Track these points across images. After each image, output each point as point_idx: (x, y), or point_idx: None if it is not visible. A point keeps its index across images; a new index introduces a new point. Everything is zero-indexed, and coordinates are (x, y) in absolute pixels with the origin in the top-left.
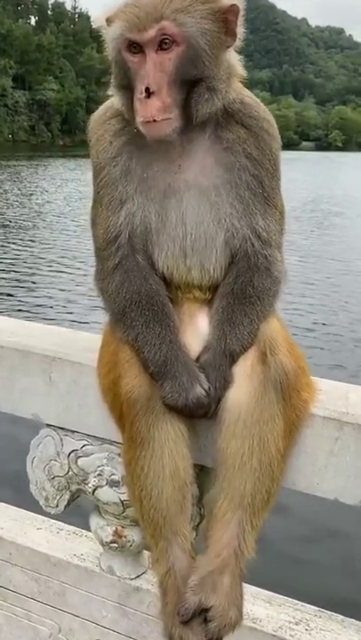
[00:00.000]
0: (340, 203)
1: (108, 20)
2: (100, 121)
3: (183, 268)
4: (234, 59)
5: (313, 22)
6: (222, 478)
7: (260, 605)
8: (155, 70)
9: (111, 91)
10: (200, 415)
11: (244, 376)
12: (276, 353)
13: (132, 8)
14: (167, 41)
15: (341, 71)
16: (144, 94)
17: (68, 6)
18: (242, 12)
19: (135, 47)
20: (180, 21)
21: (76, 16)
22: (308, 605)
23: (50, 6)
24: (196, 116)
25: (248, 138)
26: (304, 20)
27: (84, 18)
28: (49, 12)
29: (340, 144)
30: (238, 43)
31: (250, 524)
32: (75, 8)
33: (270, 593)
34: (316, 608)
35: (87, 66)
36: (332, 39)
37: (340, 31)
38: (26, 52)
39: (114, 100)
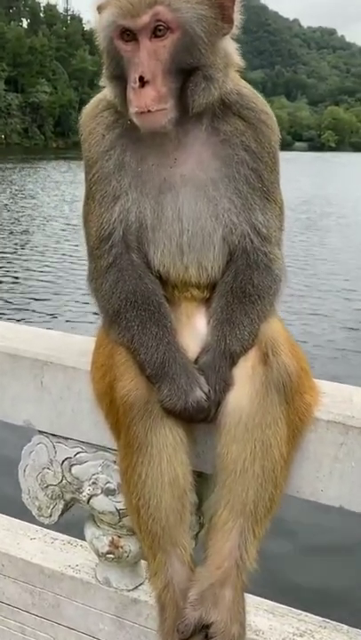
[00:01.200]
0: (335, 203)
1: (100, 8)
2: (92, 114)
3: (180, 265)
4: (231, 47)
5: (305, 23)
6: (222, 485)
7: (263, 616)
8: (149, 58)
9: (103, 82)
10: (200, 419)
11: (245, 377)
12: (278, 353)
13: None
14: (161, 27)
15: (334, 71)
16: (138, 83)
17: (61, 8)
18: None
19: (128, 34)
20: (175, 6)
21: (69, 18)
22: (312, 616)
23: (42, 9)
24: (193, 106)
25: (246, 130)
26: (296, 20)
27: (77, 20)
28: (41, 15)
29: (333, 144)
30: (235, 30)
31: (252, 534)
32: (67, 10)
33: (273, 603)
34: (321, 618)
35: (80, 68)
36: (324, 40)
37: (332, 32)
38: (18, 55)
39: (106, 92)
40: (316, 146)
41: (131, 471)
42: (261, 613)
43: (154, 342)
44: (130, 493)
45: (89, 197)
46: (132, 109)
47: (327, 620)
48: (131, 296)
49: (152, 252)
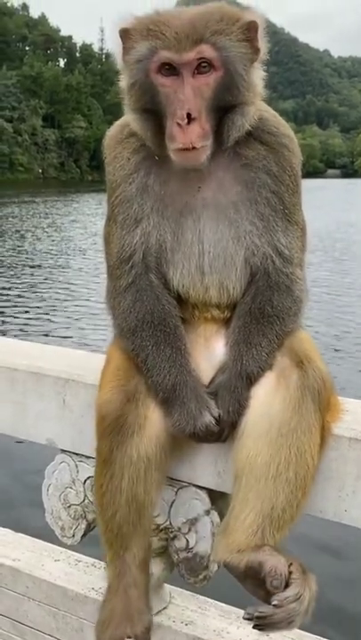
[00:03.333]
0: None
1: (127, 34)
2: (117, 139)
3: (200, 286)
4: (258, 76)
5: (335, 53)
6: (249, 489)
7: None
8: (194, 95)
9: (128, 115)
10: (212, 441)
11: (277, 382)
12: (313, 360)
13: (164, 27)
14: (205, 64)
15: None
16: (186, 120)
17: (96, 47)
18: (262, 25)
19: (168, 69)
20: (220, 45)
21: (104, 57)
22: None
23: (78, 48)
24: (228, 141)
25: (268, 154)
26: (326, 51)
27: (111, 57)
28: (77, 54)
29: None
30: (263, 56)
31: (273, 539)
32: (102, 49)
33: (301, 632)
34: None
35: (114, 103)
36: (355, 68)
37: None
38: (55, 93)
39: (132, 125)
40: (349, 172)
41: (95, 478)
42: None
43: (167, 364)
44: (94, 493)
45: (111, 219)
46: (175, 145)
47: None
48: (148, 316)
49: (171, 273)
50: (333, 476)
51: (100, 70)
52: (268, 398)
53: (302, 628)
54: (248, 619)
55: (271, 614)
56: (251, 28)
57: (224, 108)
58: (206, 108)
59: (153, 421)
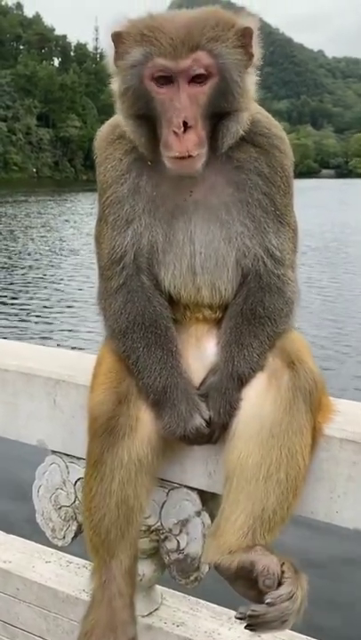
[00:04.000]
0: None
1: (120, 38)
2: (108, 140)
3: (192, 287)
4: (252, 81)
5: (329, 54)
6: (240, 490)
7: None
8: (190, 103)
9: (120, 119)
10: (202, 443)
11: (269, 383)
12: (304, 361)
13: (159, 33)
14: (201, 72)
15: (360, 99)
16: (182, 128)
17: (90, 47)
18: (257, 30)
19: (163, 76)
20: (216, 52)
21: (98, 56)
22: None
23: (72, 48)
24: (222, 148)
25: (259, 156)
26: (320, 51)
27: (106, 57)
28: (72, 53)
29: (360, 171)
30: (256, 62)
31: (264, 541)
32: (96, 48)
33: (292, 632)
34: None
35: (108, 103)
36: (350, 69)
37: (357, 61)
38: (50, 92)
39: (124, 129)
40: (344, 173)
41: (85, 481)
42: None
43: (157, 366)
44: (83, 496)
45: (102, 220)
46: (171, 153)
47: None
48: (138, 318)
49: (163, 274)
50: (325, 477)
51: (95, 70)
52: (259, 399)
53: (293, 628)
54: (240, 618)
55: (264, 613)
56: (246, 33)
57: (218, 114)
58: (201, 115)
59: (144, 423)
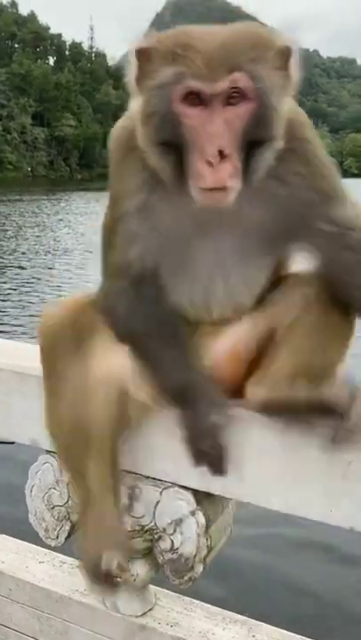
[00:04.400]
0: None
1: (146, 55)
2: (126, 148)
3: (204, 310)
4: (287, 108)
5: (324, 53)
6: (284, 345)
7: None
8: (227, 129)
9: (144, 146)
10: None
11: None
12: None
13: (193, 52)
14: (237, 95)
15: (354, 99)
16: (218, 158)
17: (85, 46)
18: (296, 51)
19: (195, 98)
20: (255, 74)
21: (93, 55)
22: None
23: (67, 47)
24: (253, 180)
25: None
26: (315, 51)
27: (101, 56)
28: (67, 52)
29: (355, 171)
30: (295, 86)
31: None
32: (91, 47)
33: (288, 632)
34: None
35: (104, 102)
36: (344, 69)
37: (352, 61)
38: (45, 91)
39: (147, 156)
40: (339, 172)
41: (44, 398)
42: None
43: (173, 365)
44: (45, 418)
45: (111, 228)
46: (203, 185)
47: None
48: (148, 319)
49: (173, 293)
50: (319, 476)
51: (90, 69)
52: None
53: (289, 629)
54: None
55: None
56: (286, 54)
57: (252, 143)
58: (236, 143)
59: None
